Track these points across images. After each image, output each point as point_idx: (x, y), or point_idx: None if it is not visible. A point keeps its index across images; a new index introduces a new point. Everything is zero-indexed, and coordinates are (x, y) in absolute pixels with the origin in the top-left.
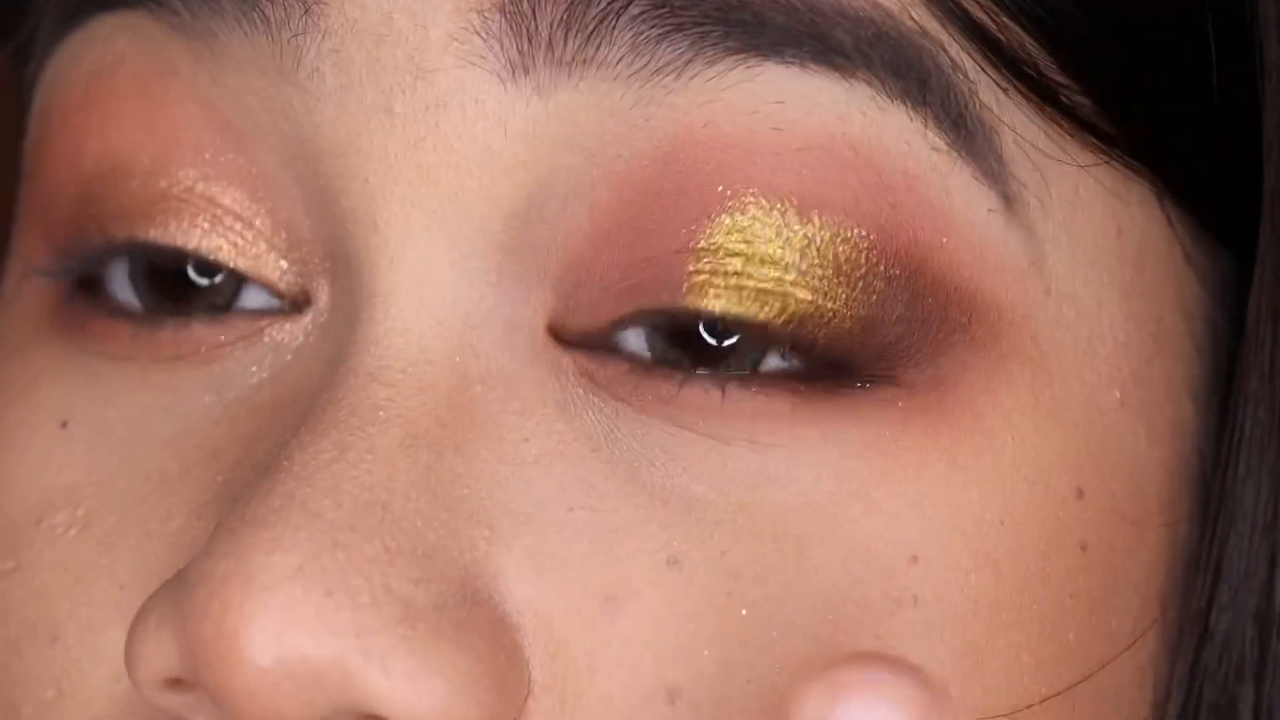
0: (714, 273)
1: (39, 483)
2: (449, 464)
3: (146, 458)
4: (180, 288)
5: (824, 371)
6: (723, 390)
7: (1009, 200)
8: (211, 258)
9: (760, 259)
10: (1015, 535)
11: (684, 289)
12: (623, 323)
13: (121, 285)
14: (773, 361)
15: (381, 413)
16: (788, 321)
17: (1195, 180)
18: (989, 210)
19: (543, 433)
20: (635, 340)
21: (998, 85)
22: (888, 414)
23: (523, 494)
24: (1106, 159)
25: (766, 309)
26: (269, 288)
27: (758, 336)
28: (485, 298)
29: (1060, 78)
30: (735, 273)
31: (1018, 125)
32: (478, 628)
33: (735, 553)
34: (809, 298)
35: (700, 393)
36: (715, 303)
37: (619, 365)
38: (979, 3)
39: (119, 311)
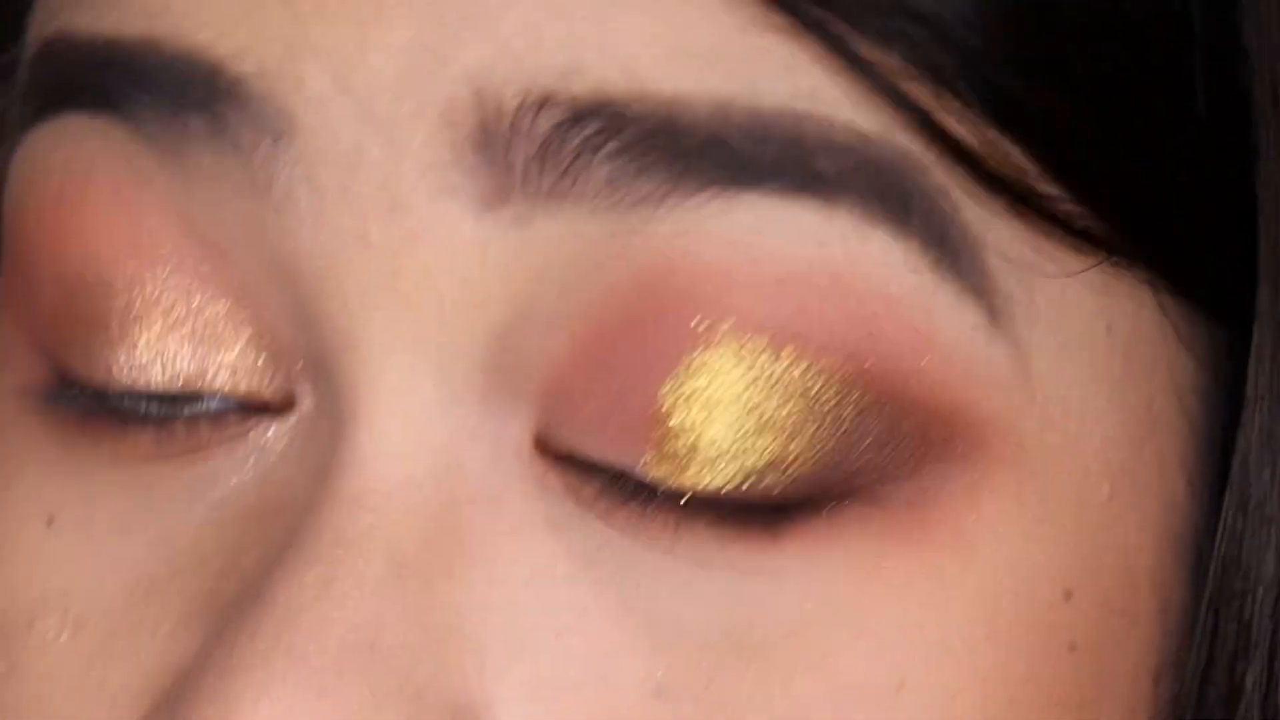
0: (674, 441)
1: (29, 583)
2: (439, 591)
3: (133, 561)
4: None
5: (796, 491)
6: (691, 518)
7: (993, 314)
8: (195, 387)
9: (726, 406)
10: (1003, 648)
11: (642, 457)
12: (604, 441)
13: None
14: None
15: (366, 541)
16: (745, 483)
17: (1187, 263)
18: (973, 327)
19: (532, 552)
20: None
21: (983, 204)
22: (866, 533)
23: (514, 618)
24: (1095, 261)
25: (723, 476)
26: (253, 399)
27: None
28: (470, 415)
29: (1049, 188)
30: (695, 437)
31: (1004, 240)
32: None
33: (721, 683)
34: (772, 442)
35: (666, 517)
36: (671, 477)
37: (594, 485)
38: (963, 120)
39: (104, 412)
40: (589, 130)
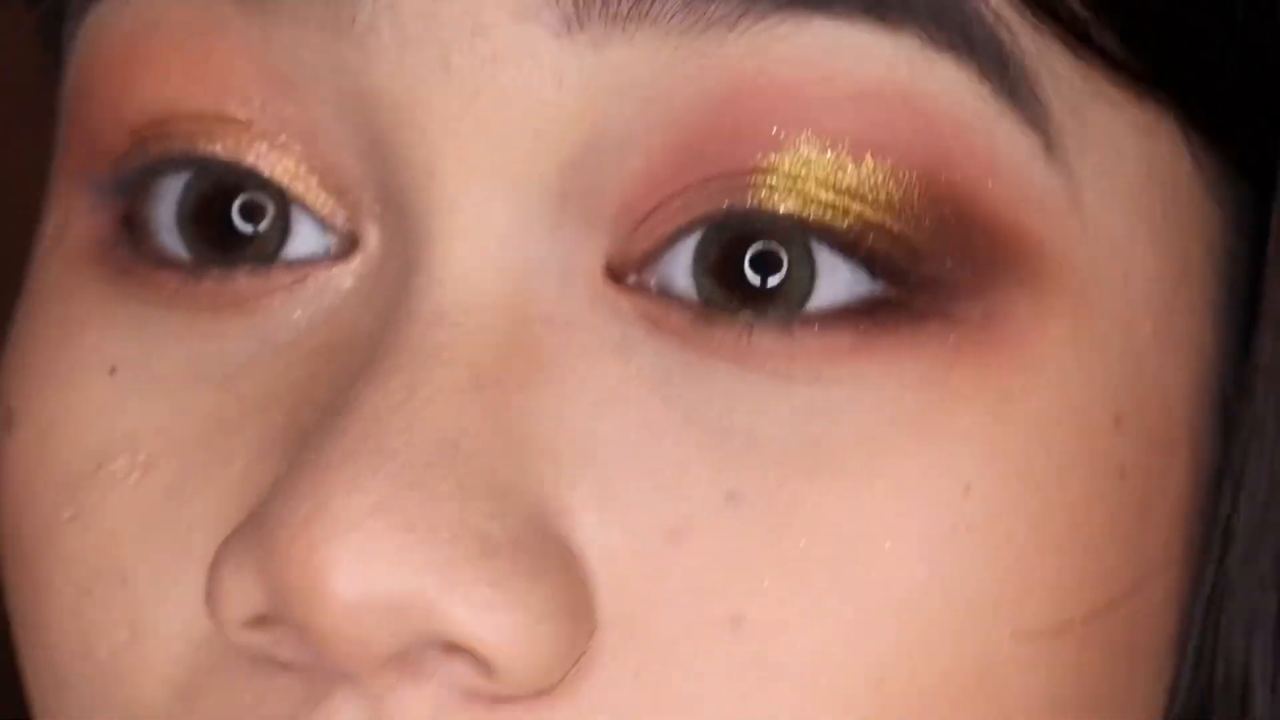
0: (775, 183)
1: (95, 429)
2: (515, 402)
3: (200, 403)
4: (226, 236)
5: (879, 301)
6: (790, 332)
7: (1049, 143)
8: (265, 174)
9: (818, 180)
10: (1060, 462)
11: (745, 194)
12: (680, 234)
13: (168, 229)
14: (821, 294)
15: (446, 354)
16: (848, 229)
17: (1220, 112)
18: (1030, 154)
19: (602, 374)
20: (684, 282)
21: (1035, 30)
22: (941, 348)
23: (585, 433)
24: (1137, 97)
25: (829, 214)
26: (319, 220)
27: (806, 261)
28: (543, 242)
29: (1090, 15)
30: (795, 188)
31: (1057, 69)
32: (551, 561)
33: (793, 486)
34: (868, 215)
35: (769, 338)
36: (784, 202)
37: (682, 313)
38: None
39: (165, 261)
40: None
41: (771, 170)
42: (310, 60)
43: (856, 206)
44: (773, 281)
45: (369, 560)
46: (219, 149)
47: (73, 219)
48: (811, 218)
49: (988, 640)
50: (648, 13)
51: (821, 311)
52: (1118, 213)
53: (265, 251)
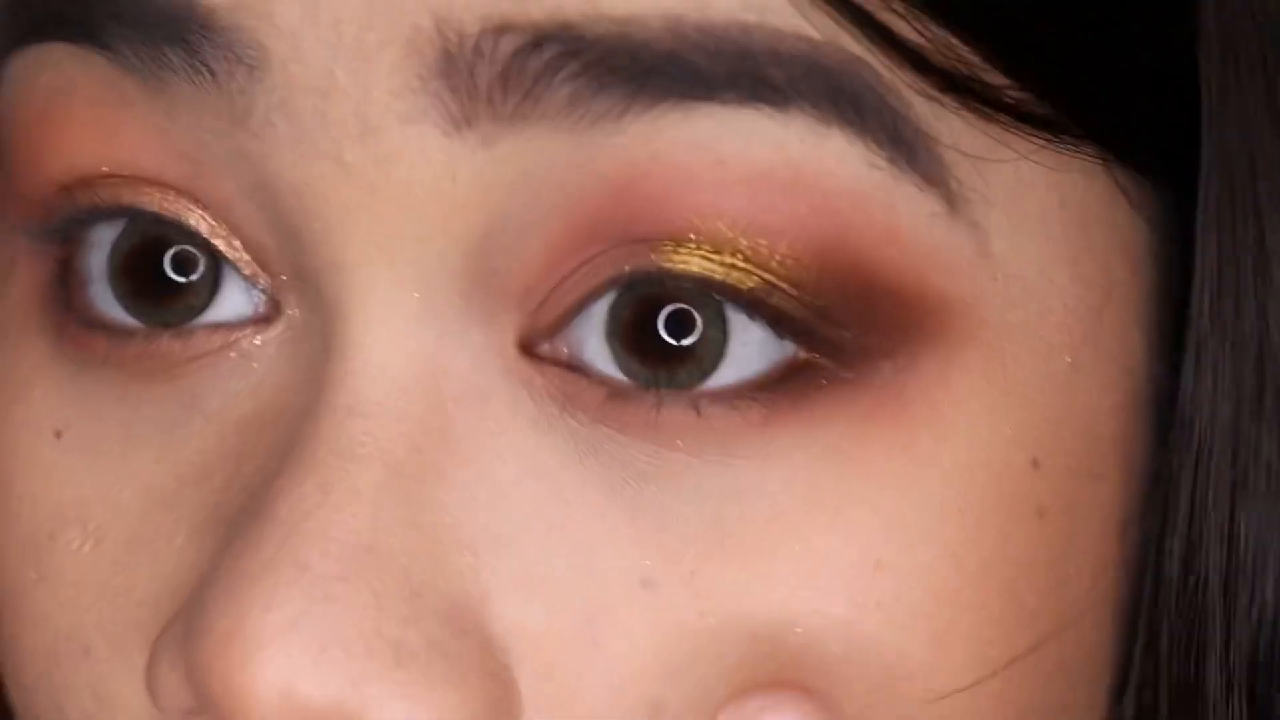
0: (681, 246)
1: (46, 496)
2: (430, 493)
3: (142, 472)
4: (159, 286)
5: (787, 371)
6: (697, 409)
7: (951, 201)
8: (191, 228)
9: (709, 283)
10: (974, 519)
11: (653, 255)
12: (587, 300)
13: (99, 279)
14: (734, 355)
15: (361, 449)
16: (752, 289)
17: (1134, 135)
18: (931, 215)
19: (517, 450)
20: (597, 349)
21: (932, 99)
22: (851, 414)
23: (502, 515)
24: (1047, 142)
25: (734, 275)
26: (245, 278)
27: (719, 323)
28: (453, 324)
29: (995, 78)
30: (700, 254)
31: (955, 131)
32: (468, 659)
33: (705, 571)
34: (770, 279)
35: (678, 412)
36: (687, 263)
37: (595, 389)
38: (906, 18)
39: (94, 322)
40: (549, 54)
41: (673, 239)
42: (212, 144)
43: (758, 272)
44: (687, 341)
45: (284, 679)
46: (145, 202)
47: (14, 266)
48: (716, 277)
49: (902, 710)
50: (533, 111)
51: (732, 387)
52: (1031, 253)
53: (198, 303)
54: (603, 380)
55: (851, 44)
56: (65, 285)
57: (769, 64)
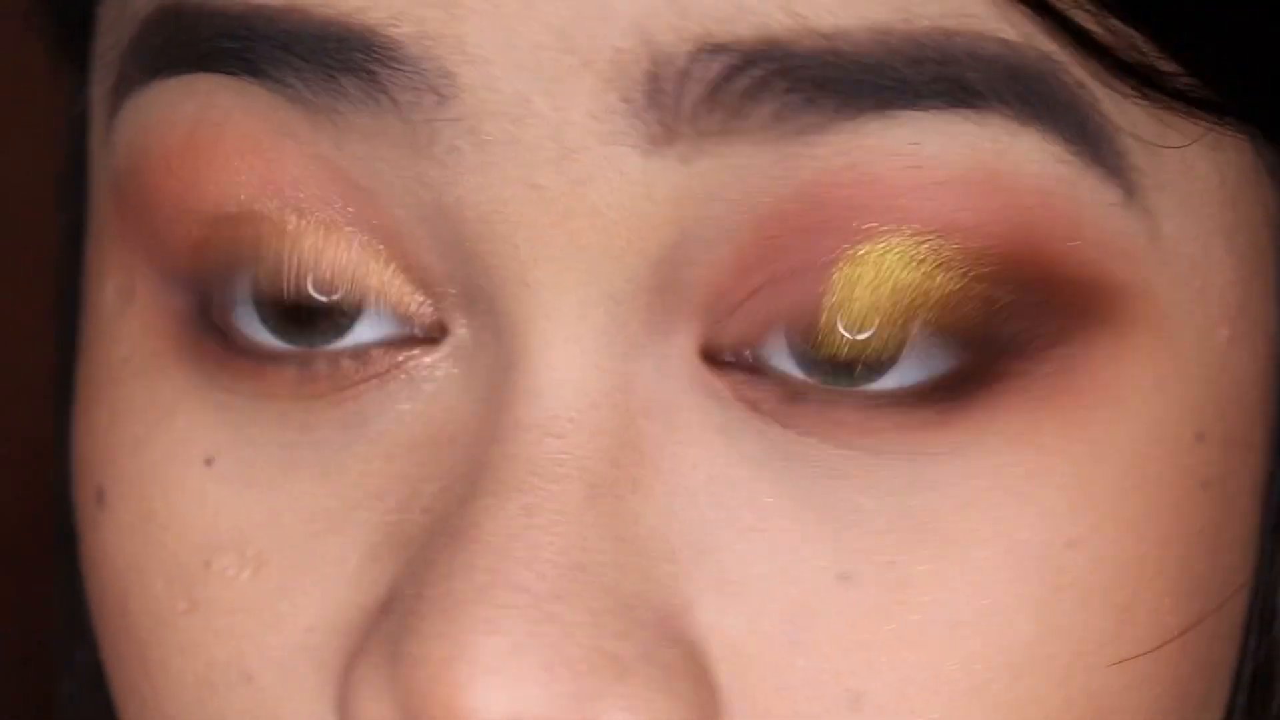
0: (846, 305)
1: (198, 523)
2: (629, 506)
3: (302, 497)
4: (302, 312)
5: (957, 371)
6: (872, 406)
7: (1129, 190)
8: (348, 276)
9: (895, 282)
10: (1149, 494)
11: (822, 295)
12: (768, 338)
13: (242, 301)
14: (910, 365)
15: (560, 468)
16: (923, 323)
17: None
18: (1110, 204)
19: (708, 459)
20: (779, 357)
21: (1114, 90)
22: (1024, 405)
23: (698, 523)
24: (1211, 126)
25: (900, 308)
26: (401, 332)
27: (891, 336)
28: (639, 335)
29: (1169, 66)
30: (868, 302)
31: (1135, 121)
32: (680, 668)
33: (902, 561)
34: (938, 316)
35: (849, 412)
36: (855, 303)
37: (771, 387)
38: (1093, 16)
39: (243, 349)
40: (759, 72)
41: (847, 266)
42: (387, 172)
43: (930, 299)
44: (862, 336)
45: (511, 701)
46: (293, 250)
47: (140, 291)
48: (882, 312)
49: (1091, 676)
50: (738, 128)
51: (902, 390)
52: (1194, 233)
53: (344, 323)
54: (781, 379)
55: (1045, 44)
56: (204, 314)
57: (969, 67)
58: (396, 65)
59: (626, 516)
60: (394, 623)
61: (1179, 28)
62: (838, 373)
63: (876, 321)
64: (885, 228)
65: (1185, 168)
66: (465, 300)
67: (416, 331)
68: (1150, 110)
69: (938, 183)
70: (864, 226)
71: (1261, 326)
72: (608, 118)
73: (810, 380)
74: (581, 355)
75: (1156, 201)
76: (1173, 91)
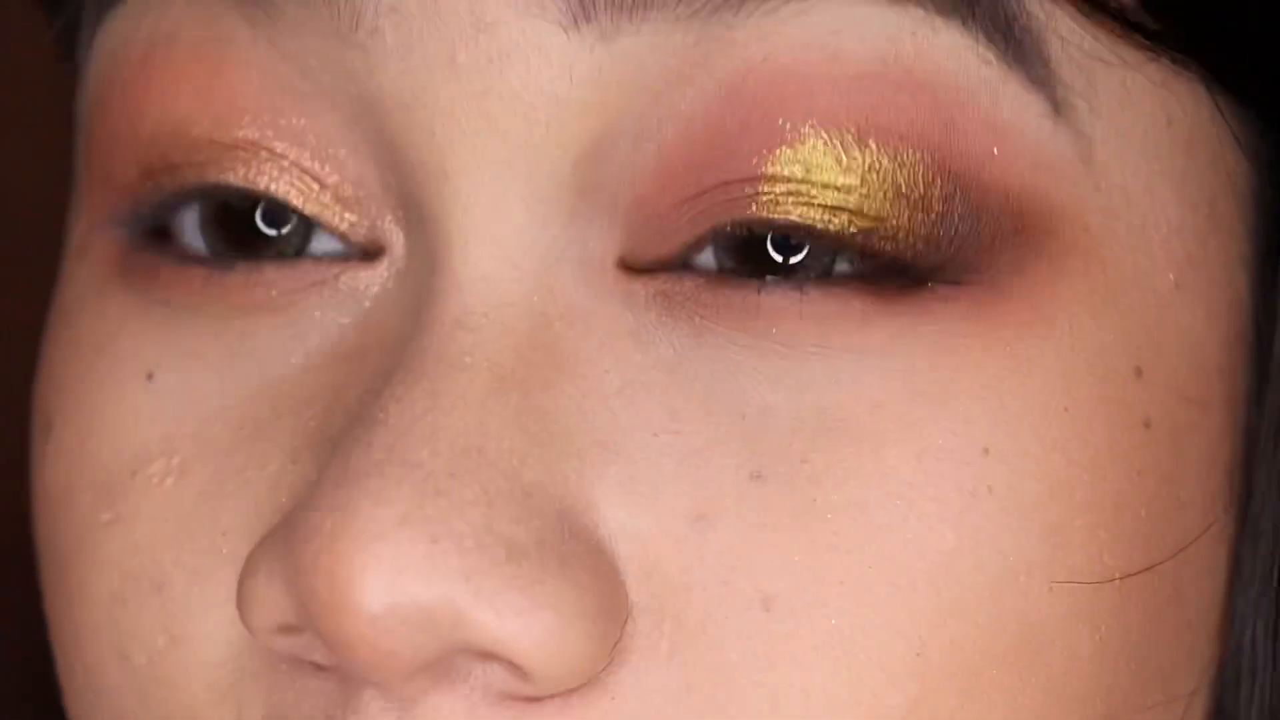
0: (782, 192)
1: (132, 435)
2: (537, 402)
3: (236, 406)
4: (250, 237)
5: (891, 275)
6: (801, 291)
7: (1057, 105)
8: (281, 199)
9: (823, 184)
10: (1080, 419)
11: (753, 207)
12: (694, 245)
13: (191, 233)
14: (841, 268)
15: (468, 358)
16: (855, 233)
17: (1241, 64)
18: (1038, 116)
19: (622, 364)
20: (705, 259)
21: None
22: (951, 312)
23: (609, 424)
24: (1153, 55)
25: (835, 220)
26: (338, 236)
27: (825, 246)
28: (558, 238)
29: None
30: (802, 193)
31: (1064, 30)
32: (578, 559)
33: (814, 460)
34: (874, 212)
35: (779, 296)
36: (787, 213)
37: (694, 280)
38: None
39: (189, 258)
40: None
41: (775, 179)
42: (317, 68)
43: (863, 207)
44: (794, 260)
45: (395, 572)
46: (230, 178)
47: (95, 235)
48: (817, 226)
49: (1024, 597)
50: (653, 0)
51: (828, 281)
52: (1134, 168)
53: (289, 250)
54: (703, 273)
55: None
56: (155, 238)
57: None
58: None
59: (533, 411)
60: (296, 506)
61: None
62: (764, 272)
63: (807, 238)
64: (806, 128)
65: (1125, 97)
66: (401, 211)
67: (357, 249)
68: (1084, 23)
69: (854, 77)
70: (785, 126)
71: (1221, 289)
72: None
73: (737, 275)
74: (500, 253)
75: (1091, 125)
76: (1107, 8)
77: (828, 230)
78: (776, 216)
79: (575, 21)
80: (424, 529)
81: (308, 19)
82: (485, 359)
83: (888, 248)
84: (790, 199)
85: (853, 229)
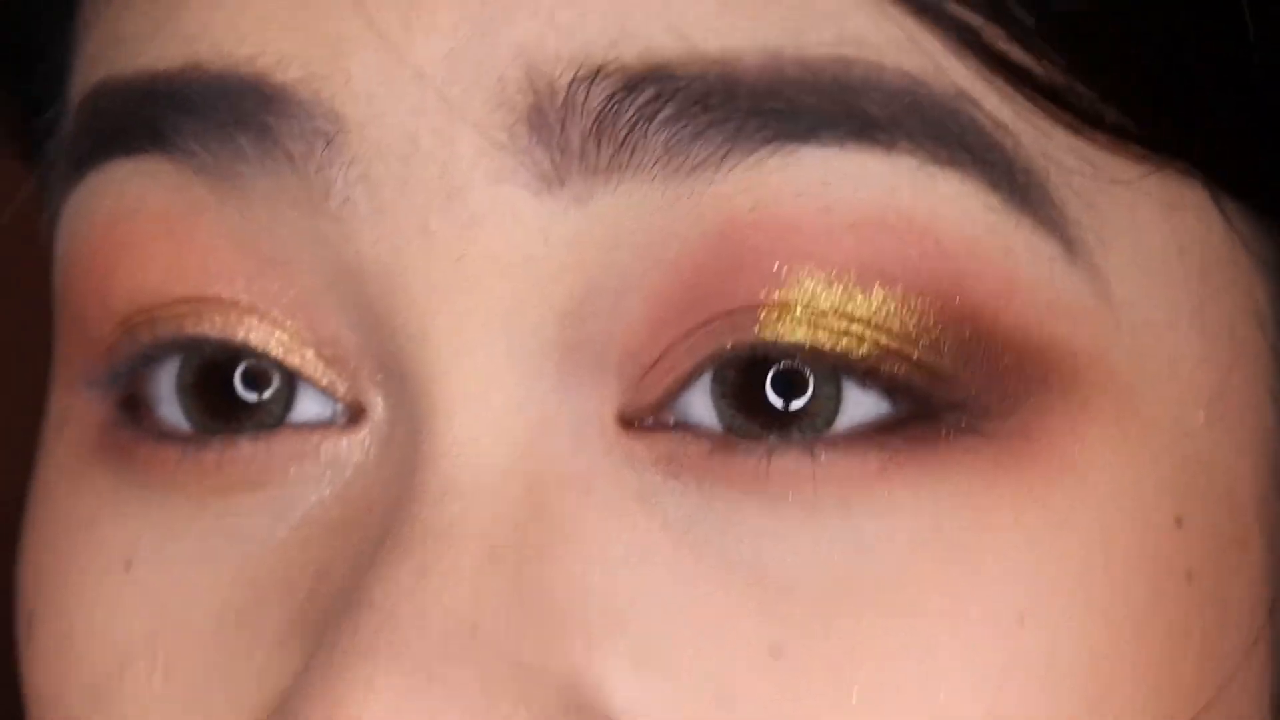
0: (786, 313)
1: (114, 630)
2: (535, 573)
3: (217, 591)
4: (229, 407)
5: (907, 419)
6: (812, 454)
7: (1069, 244)
8: (260, 348)
9: (830, 311)
10: (1121, 577)
11: (756, 327)
12: (691, 377)
13: (169, 401)
14: (848, 414)
15: (457, 529)
16: (865, 356)
17: (1245, 170)
18: (1051, 259)
19: (627, 529)
20: (704, 411)
21: (1038, 129)
22: (976, 465)
23: (614, 595)
24: (1154, 167)
25: (844, 342)
26: (321, 391)
27: (831, 379)
28: (549, 399)
29: (1099, 103)
30: (807, 318)
31: (1065, 163)
32: None
33: (839, 632)
34: (884, 342)
35: (791, 460)
36: (793, 333)
37: (700, 444)
38: (1006, 40)
39: (165, 434)
40: (643, 98)
41: (777, 305)
42: (289, 237)
43: (871, 333)
44: (796, 404)
45: None
46: (208, 329)
47: (72, 410)
48: (826, 346)
49: None
50: (628, 163)
51: (845, 433)
52: (1153, 301)
53: (270, 419)
54: (709, 436)
55: (955, 77)
56: (131, 412)
57: (870, 100)
58: (288, 113)
59: (532, 584)
60: (284, 699)
61: (1100, 54)
62: (770, 432)
63: (809, 381)
64: (802, 269)
65: (1134, 225)
66: (381, 374)
67: (337, 414)
68: (1082, 154)
69: (850, 225)
70: (780, 271)
71: (1249, 423)
72: (494, 154)
73: (741, 433)
74: (486, 416)
75: (1103, 261)
76: (1103, 127)
77: (835, 351)
78: (781, 336)
79: (548, 186)
80: (418, 719)
81: (278, 190)
82: (476, 529)
83: (899, 371)
84: (794, 318)
85: (860, 352)
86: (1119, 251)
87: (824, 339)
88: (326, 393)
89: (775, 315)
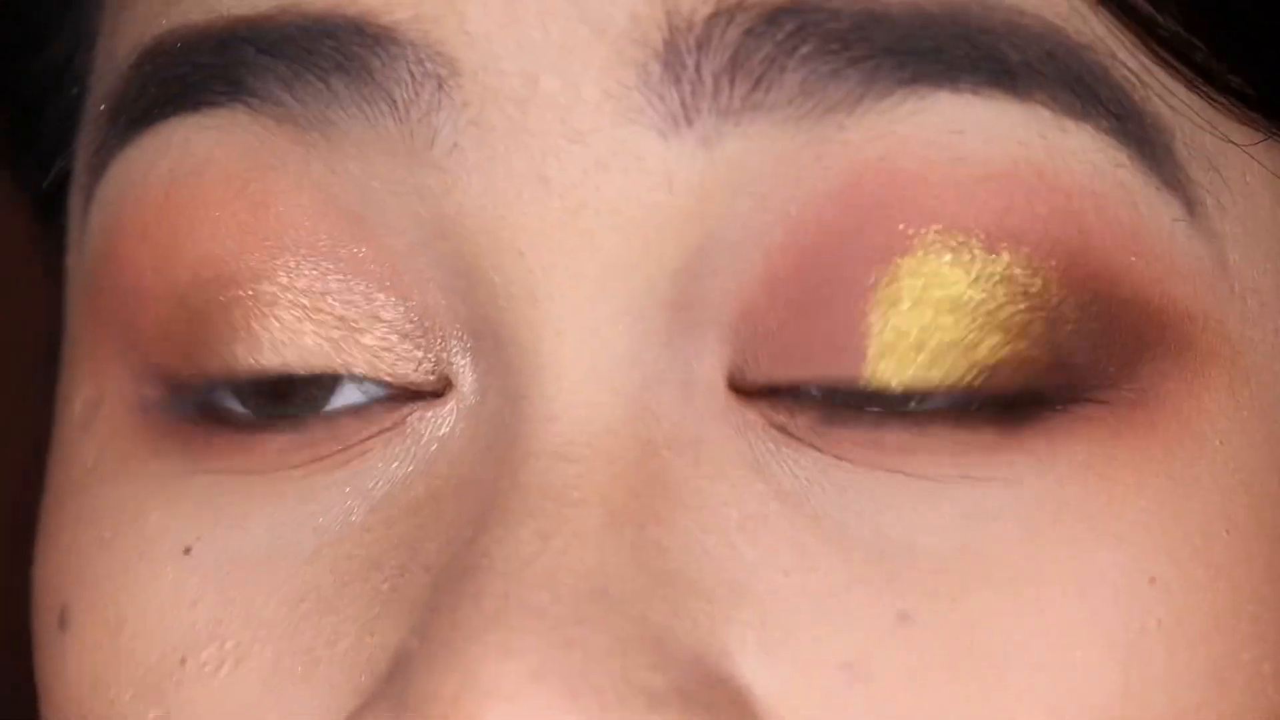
0: (895, 340)
1: (174, 618)
2: (653, 537)
3: (291, 577)
4: (283, 382)
5: (1021, 390)
6: (923, 427)
7: (1190, 205)
8: (332, 379)
9: (947, 306)
10: (1242, 542)
11: (864, 361)
12: (804, 369)
13: (222, 391)
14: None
15: (576, 493)
16: (975, 378)
17: None
18: (1173, 220)
19: (740, 496)
20: (817, 384)
21: (1166, 87)
22: (1095, 433)
23: (733, 562)
24: (1267, 134)
25: (953, 371)
26: (397, 384)
27: (947, 370)
28: (660, 359)
29: (1218, 63)
30: (917, 333)
31: (1189, 123)
32: (723, 709)
33: (966, 600)
34: (998, 341)
35: (901, 431)
36: (897, 376)
37: (810, 413)
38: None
39: (226, 421)
40: (782, 34)
41: (888, 305)
42: (382, 190)
43: (986, 339)
44: (912, 375)
45: None
46: (265, 363)
47: (108, 397)
48: (931, 383)
49: None
50: (762, 101)
51: (954, 411)
52: (1262, 266)
53: (322, 395)
54: (817, 405)
55: (1090, 27)
56: (181, 396)
57: (1010, 45)
58: (391, 54)
59: (652, 550)
60: (398, 678)
61: (1226, 21)
62: (876, 397)
63: (929, 356)
64: (927, 232)
65: (1247, 190)
66: (471, 341)
67: (419, 386)
68: (1206, 112)
69: (981, 179)
70: (904, 230)
71: None
72: (623, 94)
73: (849, 405)
74: (596, 377)
75: (1220, 225)
76: (1226, 90)
77: (942, 387)
78: (885, 381)
79: (676, 126)
80: (560, 684)
81: (374, 139)
82: (595, 492)
83: (1013, 384)
84: (901, 348)
85: (970, 376)
86: (1234, 215)
87: (932, 376)
88: (401, 383)
89: (879, 353)
